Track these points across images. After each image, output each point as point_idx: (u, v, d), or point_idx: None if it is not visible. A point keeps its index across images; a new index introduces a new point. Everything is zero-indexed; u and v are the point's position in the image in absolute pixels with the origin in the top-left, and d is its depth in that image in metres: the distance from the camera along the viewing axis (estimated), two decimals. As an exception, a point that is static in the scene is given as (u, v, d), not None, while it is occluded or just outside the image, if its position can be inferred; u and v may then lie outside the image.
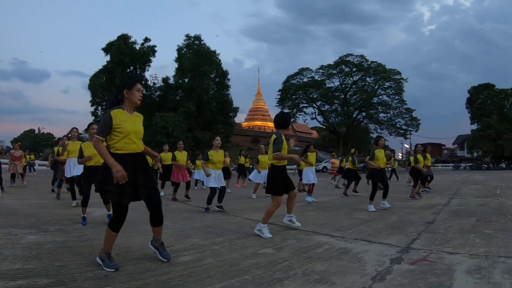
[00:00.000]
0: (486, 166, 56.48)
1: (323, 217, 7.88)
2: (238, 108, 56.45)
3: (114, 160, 3.64)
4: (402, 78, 59.96)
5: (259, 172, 12.65)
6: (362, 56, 60.88)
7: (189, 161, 12.26)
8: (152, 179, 4.02)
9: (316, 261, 4.17)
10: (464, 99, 67.72)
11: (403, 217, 7.69)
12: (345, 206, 9.76)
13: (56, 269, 3.68)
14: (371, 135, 66.16)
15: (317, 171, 44.99)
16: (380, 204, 9.04)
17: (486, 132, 58.15)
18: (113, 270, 3.67)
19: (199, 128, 48.02)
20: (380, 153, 9.21)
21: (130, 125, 3.82)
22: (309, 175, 11.22)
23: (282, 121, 6.10)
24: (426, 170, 12.28)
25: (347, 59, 60.87)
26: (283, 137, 5.90)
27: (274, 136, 5.94)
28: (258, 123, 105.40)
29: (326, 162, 45.07)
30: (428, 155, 13.12)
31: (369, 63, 60.42)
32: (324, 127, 68.47)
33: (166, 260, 4.04)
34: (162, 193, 12.80)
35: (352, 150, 14.84)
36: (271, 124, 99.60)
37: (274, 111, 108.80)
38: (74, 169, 8.46)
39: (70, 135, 9.42)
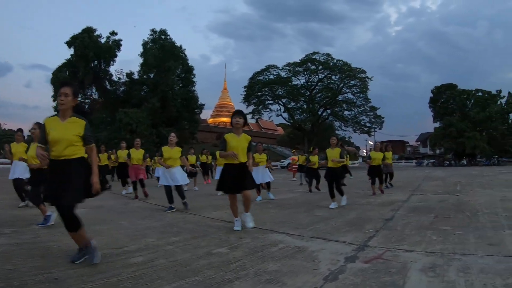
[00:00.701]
0: (448, 162, 58.18)
1: (282, 214, 7.85)
2: (203, 104, 56.01)
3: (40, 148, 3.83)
4: (367, 77, 61.19)
5: (215, 170, 12.59)
6: (328, 55, 61.46)
7: (147, 159, 11.92)
8: (66, 188, 3.78)
9: (270, 260, 4.12)
10: (427, 99, 69.15)
11: (362, 214, 7.76)
12: (306, 204, 9.76)
13: (6, 273, 3.58)
14: (336, 132, 67.20)
15: (282, 167, 45.25)
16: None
17: (448, 130, 59.60)
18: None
19: (164, 124, 47.44)
20: (329, 153, 9.25)
21: (55, 132, 3.81)
22: (257, 175, 10.53)
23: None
24: (384, 168, 12.46)
25: (314, 57, 61.32)
26: (227, 136, 5.94)
27: None
28: (224, 119, 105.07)
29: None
30: (388, 154, 13.31)
31: (335, 61, 61.00)
32: (290, 124, 68.83)
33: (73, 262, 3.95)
34: (124, 192, 12.54)
35: (311, 149, 14.89)
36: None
37: (239, 107, 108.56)
38: (17, 171, 8.28)
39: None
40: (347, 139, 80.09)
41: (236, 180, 5.86)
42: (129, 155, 11.20)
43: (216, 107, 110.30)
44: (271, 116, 66.38)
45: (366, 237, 5.31)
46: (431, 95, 68.08)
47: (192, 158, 16.00)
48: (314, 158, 13.61)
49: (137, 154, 11.15)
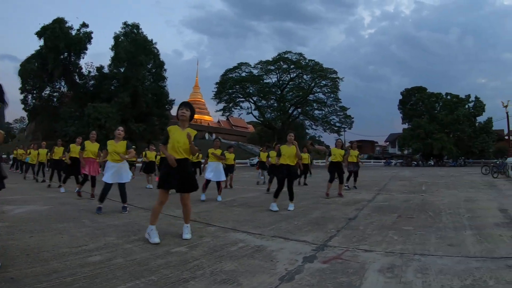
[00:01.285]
0: (415, 163, 59.49)
1: (246, 213, 7.82)
2: (174, 100, 55.48)
3: None
4: (338, 77, 61.84)
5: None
6: (300, 54, 61.83)
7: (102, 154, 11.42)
8: None
9: (227, 260, 4.11)
10: (397, 100, 70.55)
11: (326, 213, 7.79)
12: (270, 202, 9.68)
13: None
14: (307, 131, 67.85)
15: (251, 165, 45.21)
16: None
17: (416, 131, 60.82)
18: None
19: (134, 120, 46.79)
20: (284, 149, 8.52)
21: None
22: (209, 172, 10.33)
23: None
24: (351, 166, 12.57)
25: (286, 56, 61.56)
26: (171, 129, 5.42)
27: None
28: (195, 116, 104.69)
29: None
30: (353, 152, 13.48)
31: (307, 61, 61.44)
32: (260, 122, 68.90)
33: None
34: (62, 190, 11.95)
35: (274, 144, 14.69)
36: (208, 118, 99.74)
37: (211, 104, 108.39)
38: None
39: None
40: (317, 138, 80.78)
41: (176, 178, 5.14)
42: (83, 147, 10.11)
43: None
44: (242, 113, 66.33)
45: (327, 237, 5.32)
46: (401, 97, 69.37)
47: (151, 154, 15.91)
48: (274, 154, 12.13)
49: (92, 147, 10.15)
